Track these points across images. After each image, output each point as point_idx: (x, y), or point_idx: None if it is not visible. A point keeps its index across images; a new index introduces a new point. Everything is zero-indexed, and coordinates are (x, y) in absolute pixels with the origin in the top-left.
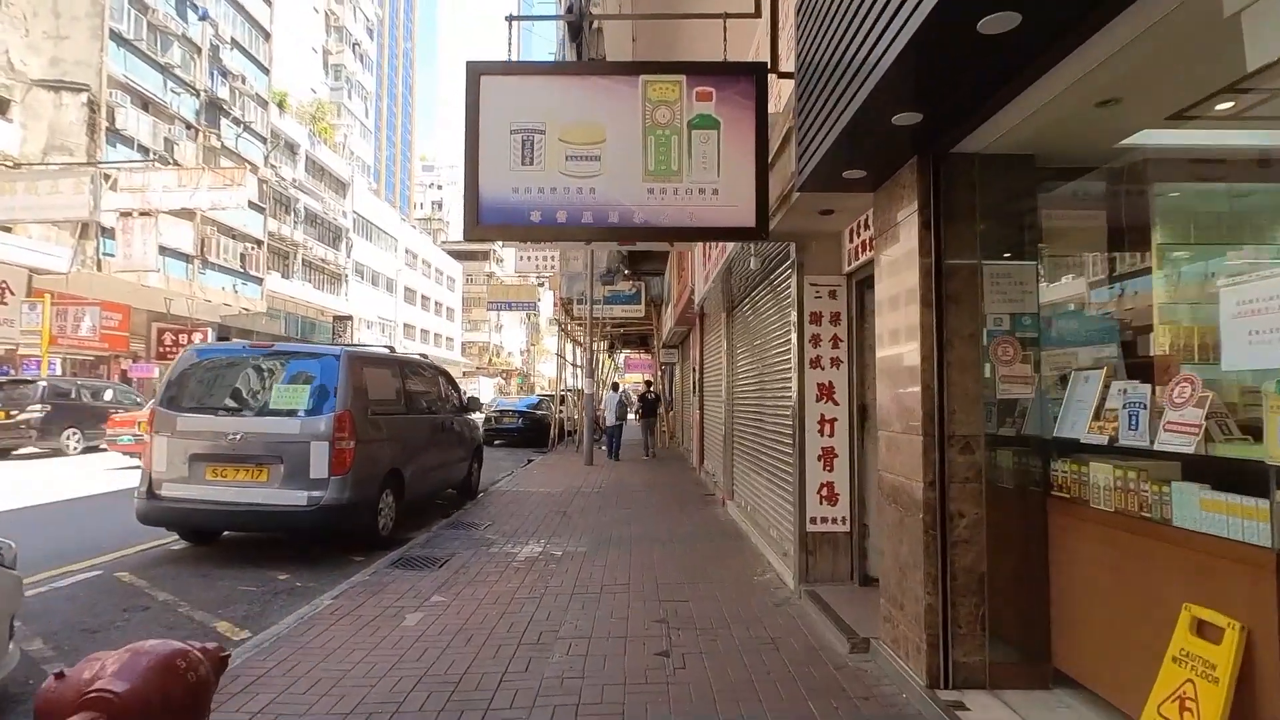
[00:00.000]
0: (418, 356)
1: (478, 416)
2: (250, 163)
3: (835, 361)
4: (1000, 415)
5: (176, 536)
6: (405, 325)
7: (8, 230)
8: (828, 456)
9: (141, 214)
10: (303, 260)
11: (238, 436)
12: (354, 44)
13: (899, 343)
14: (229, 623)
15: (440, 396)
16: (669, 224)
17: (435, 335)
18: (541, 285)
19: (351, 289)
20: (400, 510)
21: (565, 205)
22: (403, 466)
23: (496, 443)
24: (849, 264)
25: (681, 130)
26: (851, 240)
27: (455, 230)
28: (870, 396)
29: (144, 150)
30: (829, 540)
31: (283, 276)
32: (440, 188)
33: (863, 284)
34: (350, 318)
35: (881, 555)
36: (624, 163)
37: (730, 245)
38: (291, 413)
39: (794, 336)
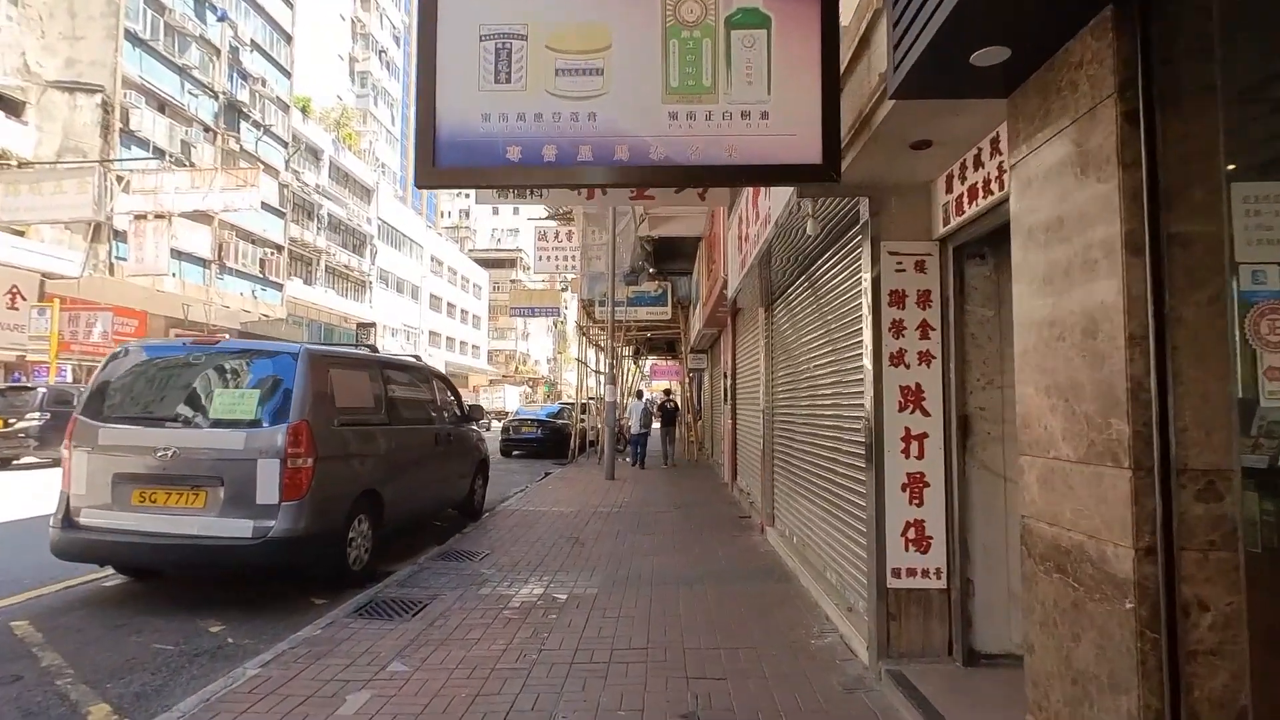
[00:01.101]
0: (408, 358)
1: (496, 424)
2: (270, 166)
3: (925, 357)
4: (1268, 434)
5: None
6: (431, 333)
7: (20, 234)
8: (916, 486)
9: (156, 216)
10: (326, 266)
11: (170, 453)
12: (380, 51)
13: (1073, 311)
14: (110, 705)
15: (435, 404)
16: (699, 162)
17: (461, 343)
18: (565, 290)
19: (376, 296)
20: (381, 538)
21: (554, 137)
22: (382, 487)
23: (515, 454)
24: (944, 225)
25: (717, 31)
26: (950, 190)
27: (483, 238)
28: (975, 404)
29: (160, 153)
30: (918, 600)
31: (305, 283)
32: (468, 195)
33: (963, 251)
34: (374, 324)
35: (1030, 652)
36: (636, 78)
37: (772, 222)
38: (236, 424)
39: (866, 326)
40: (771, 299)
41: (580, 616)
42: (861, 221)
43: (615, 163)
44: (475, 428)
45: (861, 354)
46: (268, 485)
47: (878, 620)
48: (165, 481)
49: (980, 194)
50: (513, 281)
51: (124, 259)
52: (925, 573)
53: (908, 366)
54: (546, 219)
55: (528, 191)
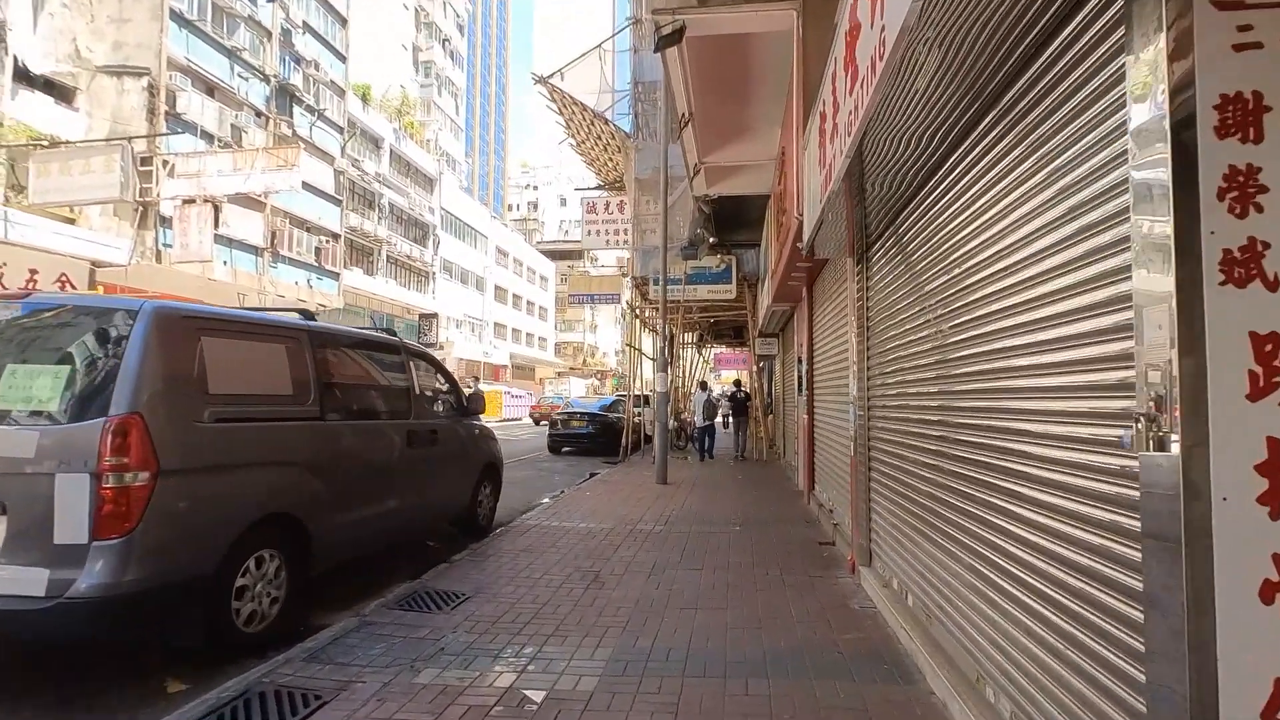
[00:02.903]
0: (371, 332)
1: (543, 420)
2: (326, 152)
3: None
4: None
5: None
6: (496, 324)
7: (70, 221)
8: None
9: (206, 201)
10: (387, 256)
11: None
12: (444, 40)
13: None
14: None
15: (414, 393)
16: None
17: (528, 335)
18: (626, 275)
19: (439, 286)
20: (309, 580)
21: None
22: (306, 510)
23: (565, 450)
24: None
25: None
26: None
27: (551, 230)
28: None
29: (209, 137)
30: None
31: (365, 273)
32: (536, 189)
33: None
34: (435, 315)
35: None
36: None
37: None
38: (30, 418)
39: (1146, 200)
40: (868, 242)
41: None
42: None
43: None
44: (480, 422)
45: (1090, 275)
46: (71, 515)
47: None
48: None
49: None
50: (570, 267)
51: (170, 245)
52: None
53: (1272, 281)
54: (594, 188)
55: None
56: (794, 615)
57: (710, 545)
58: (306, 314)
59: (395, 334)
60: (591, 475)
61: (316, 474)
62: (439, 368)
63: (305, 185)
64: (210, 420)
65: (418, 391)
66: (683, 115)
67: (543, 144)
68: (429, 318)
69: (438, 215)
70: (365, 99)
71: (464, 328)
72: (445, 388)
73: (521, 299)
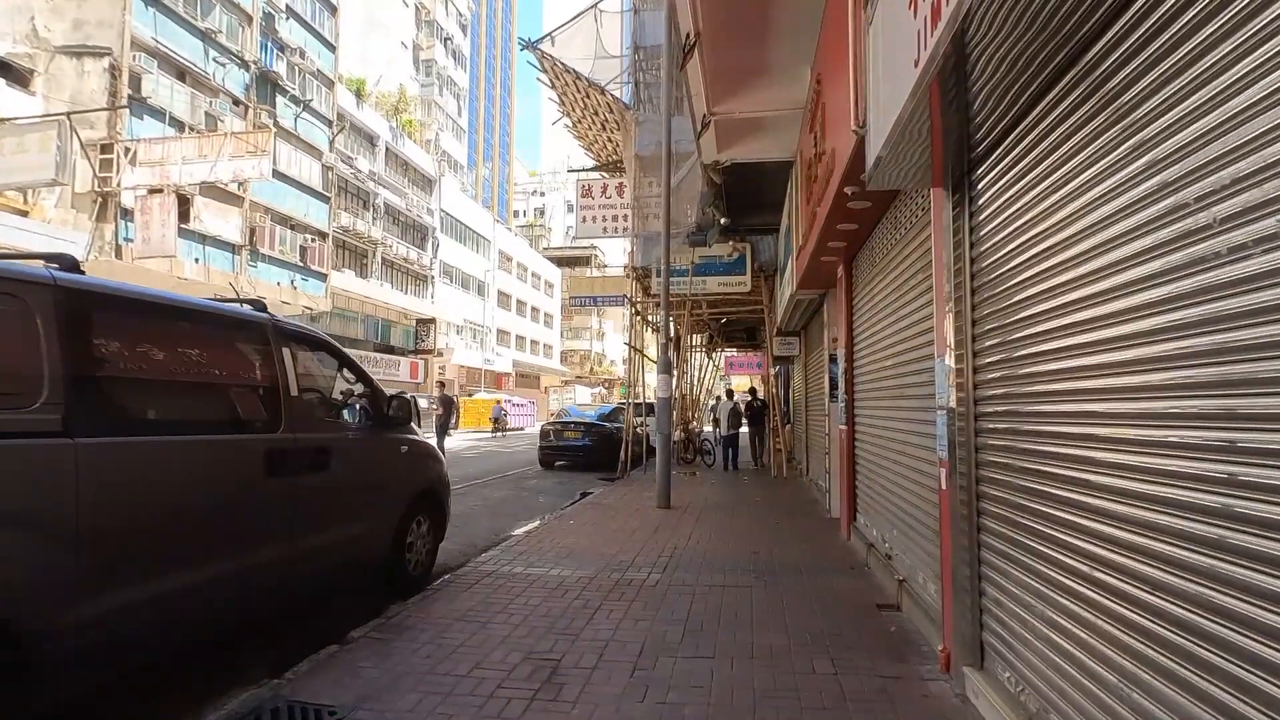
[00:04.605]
0: (206, 302)
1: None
2: (313, 147)
3: None
4: None
5: None
6: (500, 330)
7: (23, 213)
8: None
9: (171, 190)
10: (382, 258)
11: None
12: (446, 38)
13: None
14: None
15: (284, 395)
16: None
17: (532, 342)
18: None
19: (438, 291)
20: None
21: None
22: (23, 603)
23: (558, 464)
24: None
25: None
26: None
27: (558, 236)
28: None
29: (178, 125)
30: None
31: (358, 275)
32: (543, 194)
33: None
34: (434, 320)
35: None
36: None
37: None
38: None
39: None
40: (970, 161)
41: None
42: None
43: None
44: (413, 435)
45: None
46: None
47: None
48: None
49: None
50: (573, 269)
51: (131, 240)
52: None
53: None
54: (592, 169)
55: None
56: None
57: (725, 610)
58: (54, 257)
59: (264, 308)
60: (582, 496)
61: (51, 535)
62: (345, 361)
63: (290, 180)
64: None
65: (294, 393)
66: (687, 37)
67: (550, 151)
68: (426, 323)
69: (437, 217)
70: (360, 94)
71: (465, 334)
72: (362, 391)
73: (526, 305)
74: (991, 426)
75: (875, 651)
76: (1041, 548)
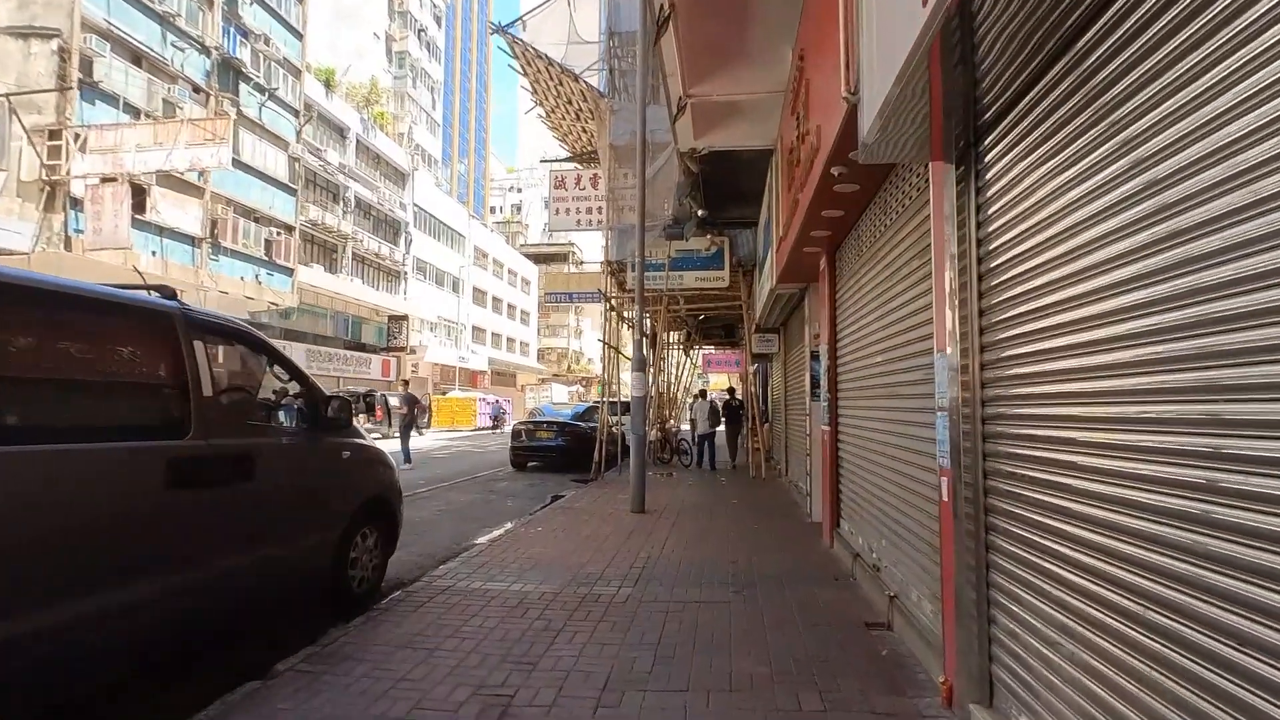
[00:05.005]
0: (100, 287)
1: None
2: (279, 138)
3: None
4: None
5: None
6: (475, 328)
7: None
8: None
9: (124, 179)
10: (352, 254)
11: None
12: (420, 30)
13: None
14: None
15: (195, 396)
16: None
17: (509, 340)
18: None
19: (411, 287)
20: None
21: None
22: None
23: (531, 465)
24: None
25: None
26: None
27: (535, 233)
28: None
29: (134, 111)
30: None
31: (327, 270)
32: (520, 191)
33: None
34: (406, 317)
35: None
36: None
37: None
38: None
39: None
40: (978, 130)
41: None
42: None
43: None
44: (357, 439)
45: None
46: None
47: None
48: None
49: None
50: (550, 266)
51: (81, 231)
52: None
53: None
54: (566, 160)
55: None
56: None
57: (700, 631)
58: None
59: (174, 295)
60: (554, 499)
61: None
62: (276, 357)
63: (254, 171)
64: None
65: (207, 394)
66: (662, 8)
67: (528, 147)
68: (399, 319)
69: (410, 212)
70: (329, 84)
71: (439, 331)
72: (299, 390)
73: (502, 302)
74: (1001, 430)
75: (867, 680)
76: (1068, 574)
